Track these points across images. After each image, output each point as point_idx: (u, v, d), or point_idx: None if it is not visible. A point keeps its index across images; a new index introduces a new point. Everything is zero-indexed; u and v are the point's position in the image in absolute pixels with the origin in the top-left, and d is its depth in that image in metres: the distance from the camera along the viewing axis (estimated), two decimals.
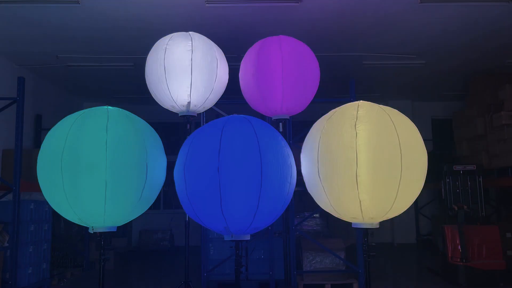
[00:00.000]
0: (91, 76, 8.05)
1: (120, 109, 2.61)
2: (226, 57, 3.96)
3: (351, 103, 2.58)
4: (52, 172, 2.34)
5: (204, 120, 5.64)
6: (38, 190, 6.19)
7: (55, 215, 6.73)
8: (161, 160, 2.67)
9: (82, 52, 6.76)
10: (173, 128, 10.06)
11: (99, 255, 2.68)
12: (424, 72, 8.12)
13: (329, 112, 2.64)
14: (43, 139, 7.98)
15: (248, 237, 2.55)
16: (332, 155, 2.43)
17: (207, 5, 5.18)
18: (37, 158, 5.17)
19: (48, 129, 8.23)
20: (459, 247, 5.92)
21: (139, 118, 2.71)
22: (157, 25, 5.72)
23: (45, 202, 6.16)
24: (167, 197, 10.57)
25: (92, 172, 2.32)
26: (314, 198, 2.70)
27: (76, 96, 9.62)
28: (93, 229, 2.55)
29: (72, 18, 5.50)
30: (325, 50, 6.74)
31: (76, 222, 2.52)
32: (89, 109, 2.56)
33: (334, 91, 9.03)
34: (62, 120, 2.55)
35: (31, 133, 7.64)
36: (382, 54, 7.09)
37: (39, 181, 2.46)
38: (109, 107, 2.58)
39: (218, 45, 3.95)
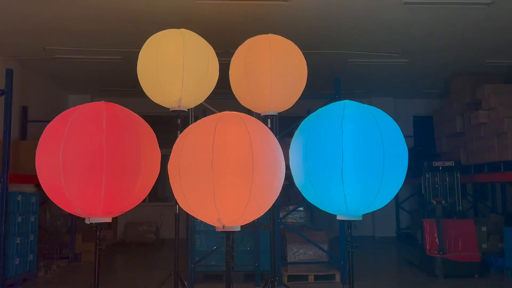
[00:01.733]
0: (78, 69, 8.04)
1: (116, 104, 2.70)
2: (215, 52, 4.07)
3: (338, 102, 2.73)
4: (51, 164, 2.43)
5: (192, 115, 5.73)
6: (26, 181, 6.19)
7: (41, 207, 6.75)
8: (156, 154, 2.78)
9: (70, 45, 6.75)
10: (159, 121, 10.08)
11: (95, 245, 2.78)
12: (407, 70, 8.34)
13: (317, 110, 2.78)
14: (29, 131, 7.90)
15: (238, 228, 2.68)
16: (319, 151, 2.58)
17: (197, 1, 5.25)
18: (23, 150, 5.23)
19: (34, 121, 8.15)
20: (437, 240, 6.17)
21: (134, 113, 2.81)
22: (147, 19, 5.77)
23: (32, 194, 6.19)
24: (153, 190, 10.61)
25: (90, 166, 2.41)
26: (301, 192, 2.85)
27: (62, 88, 9.58)
28: (89, 220, 2.64)
29: (60, 11, 5.50)
30: (311, 47, 6.88)
31: (74, 213, 2.62)
32: (87, 104, 2.65)
33: (319, 88, 9.19)
34: (61, 113, 2.63)
35: (16, 125, 7.60)
36: (367, 53, 7.26)
37: (37, 173, 2.54)
38: (106, 102, 2.67)
39: (207, 40, 4.06)
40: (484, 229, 6.86)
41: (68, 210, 2.61)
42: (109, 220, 2.70)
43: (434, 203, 6.42)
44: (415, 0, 5.29)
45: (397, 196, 10.28)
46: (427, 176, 7.19)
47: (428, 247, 6.31)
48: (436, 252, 6.15)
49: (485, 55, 7.46)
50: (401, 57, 7.51)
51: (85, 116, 2.52)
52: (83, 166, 2.41)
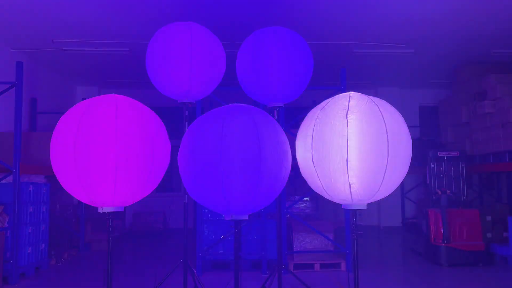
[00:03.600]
0: (86, 61, 8.12)
1: (127, 97, 2.78)
2: (222, 44, 4.12)
3: (343, 94, 2.79)
4: (66, 156, 2.52)
5: (200, 107, 5.81)
6: (36, 172, 6.31)
7: (52, 197, 6.88)
8: (166, 145, 2.86)
9: (78, 37, 6.83)
10: (167, 112, 10.17)
11: (107, 234, 2.88)
12: (413, 60, 8.33)
13: (323, 102, 2.84)
14: (39, 123, 8.03)
15: (246, 217, 2.76)
16: (324, 142, 2.64)
17: None
18: (33, 141, 5.40)
19: (43, 113, 8.29)
20: (442, 229, 6.23)
21: (144, 106, 2.89)
22: (154, 12, 5.82)
23: (43, 185, 6.31)
24: (162, 180, 10.73)
25: (104, 157, 2.50)
26: (308, 182, 2.92)
27: (70, 80, 9.67)
28: (102, 209, 2.74)
29: (69, 3, 5.57)
30: (317, 38, 6.91)
31: (87, 203, 2.71)
32: (98, 96, 2.73)
33: (325, 78, 9.22)
34: (74, 106, 2.71)
35: (26, 116, 7.72)
36: (372, 43, 7.27)
37: (52, 164, 2.63)
38: (117, 95, 2.75)
39: (214, 33, 4.11)
40: (489, 218, 6.91)
41: (82, 200, 2.70)
42: (121, 209, 2.80)
43: (439, 192, 6.47)
44: None
45: (402, 186, 10.33)
46: (432, 166, 7.22)
47: (432, 236, 6.38)
48: (441, 241, 6.22)
49: (492, 45, 7.44)
50: (407, 47, 7.51)
51: (97, 109, 2.60)
52: (96, 157, 2.50)
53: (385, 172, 2.58)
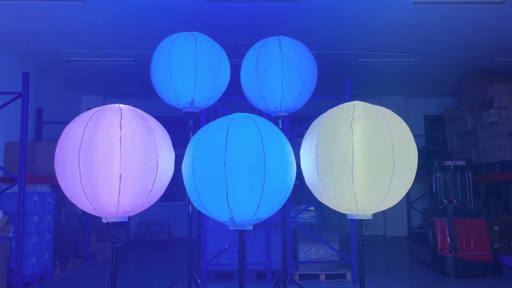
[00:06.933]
0: (91, 71, 8.17)
1: (132, 107, 2.78)
2: (226, 53, 4.14)
3: (348, 103, 2.78)
4: (70, 165, 2.52)
5: (205, 116, 5.82)
6: (42, 182, 6.32)
7: (56, 207, 6.88)
8: (170, 155, 2.85)
9: (84, 47, 6.88)
10: (170, 121, 10.19)
11: (112, 243, 2.86)
12: (418, 69, 8.32)
13: (327, 112, 2.83)
14: (44, 132, 8.05)
15: (251, 227, 2.74)
16: (329, 152, 2.63)
17: (208, 4, 5.33)
18: (38, 151, 5.40)
19: (49, 122, 8.31)
20: (448, 239, 6.16)
21: (149, 115, 2.89)
22: (159, 22, 5.87)
23: (48, 194, 6.33)
24: (166, 190, 10.73)
25: (108, 166, 2.50)
26: (313, 192, 2.90)
27: (76, 90, 9.73)
28: (106, 219, 2.73)
29: (76, 15, 5.62)
30: (321, 47, 6.92)
31: (91, 213, 2.70)
32: (103, 106, 2.74)
33: (330, 87, 9.22)
34: (78, 116, 2.72)
35: (32, 126, 7.76)
36: (377, 52, 7.27)
37: (57, 174, 2.63)
38: (121, 105, 2.76)
39: (218, 42, 4.13)
40: (496, 228, 6.83)
41: (86, 209, 2.70)
42: (125, 219, 2.79)
43: (446, 202, 6.41)
44: (425, 0, 5.30)
45: (408, 196, 10.25)
46: (438, 175, 7.17)
47: (439, 246, 6.31)
48: (447, 251, 6.15)
49: (497, 54, 7.42)
50: (412, 56, 7.51)
51: (102, 119, 2.60)
52: (100, 167, 2.49)
53: (390, 181, 2.56)
